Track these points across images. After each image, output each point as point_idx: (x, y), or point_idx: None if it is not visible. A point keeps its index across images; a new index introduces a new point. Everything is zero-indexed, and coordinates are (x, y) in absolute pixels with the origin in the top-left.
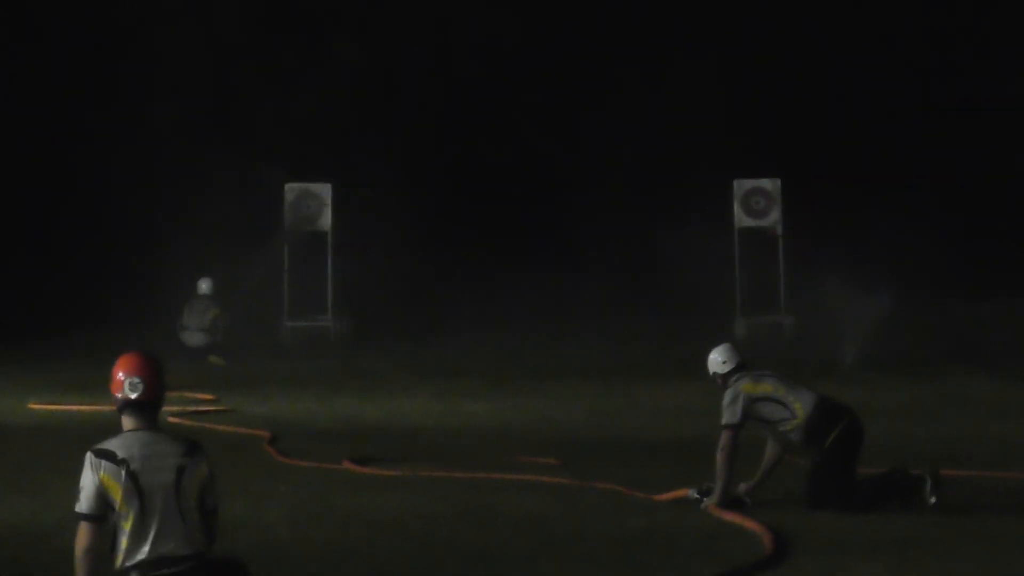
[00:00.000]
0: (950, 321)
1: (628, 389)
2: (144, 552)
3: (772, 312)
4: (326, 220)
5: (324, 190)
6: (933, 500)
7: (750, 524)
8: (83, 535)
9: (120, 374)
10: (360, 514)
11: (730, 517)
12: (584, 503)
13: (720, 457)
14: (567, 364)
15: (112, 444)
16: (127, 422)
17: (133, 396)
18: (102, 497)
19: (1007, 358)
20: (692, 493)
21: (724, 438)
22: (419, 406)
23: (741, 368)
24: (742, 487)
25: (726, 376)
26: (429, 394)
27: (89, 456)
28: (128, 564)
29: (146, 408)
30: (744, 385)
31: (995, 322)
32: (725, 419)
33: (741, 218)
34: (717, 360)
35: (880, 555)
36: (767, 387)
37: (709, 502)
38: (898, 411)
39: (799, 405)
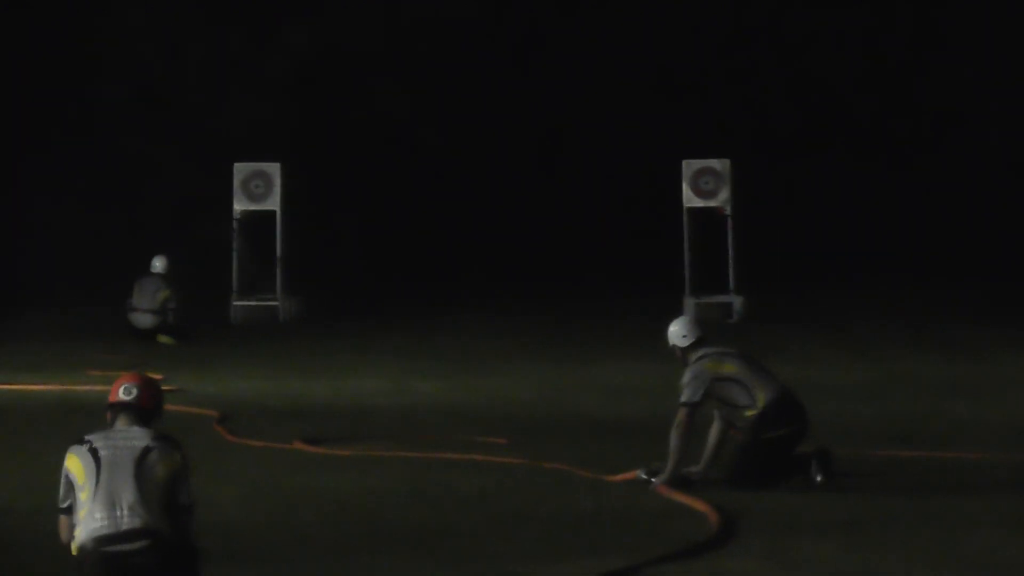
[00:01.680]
0: (902, 302)
1: (578, 369)
2: (98, 523)
3: (720, 291)
4: (275, 200)
5: (273, 170)
6: (819, 478)
7: (698, 504)
8: (61, 528)
9: (118, 384)
10: (310, 494)
11: (678, 497)
12: (534, 483)
13: (675, 434)
14: (518, 344)
15: (90, 434)
16: (116, 422)
17: (125, 398)
18: (68, 483)
19: (957, 339)
20: (641, 474)
21: (681, 415)
22: (370, 386)
23: (701, 343)
24: (693, 469)
25: (686, 351)
26: (380, 374)
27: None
28: (84, 538)
29: (133, 410)
30: (707, 364)
31: (947, 304)
32: (684, 396)
33: (690, 198)
34: (678, 333)
35: (829, 534)
36: (731, 367)
37: (658, 482)
38: (848, 391)
39: (761, 395)
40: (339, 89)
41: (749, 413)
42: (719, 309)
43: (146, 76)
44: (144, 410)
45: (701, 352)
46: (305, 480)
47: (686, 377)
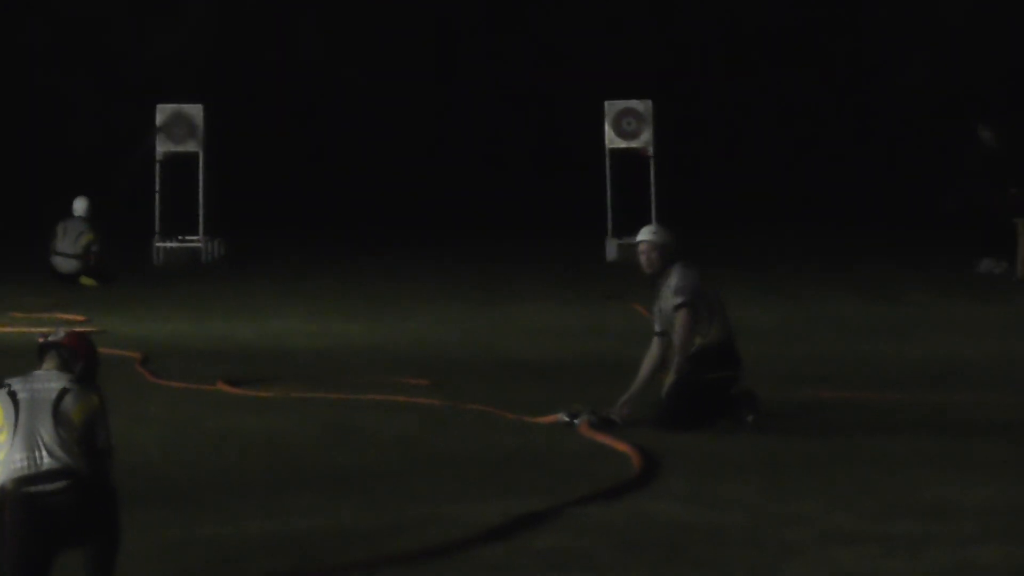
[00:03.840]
0: (821, 244)
1: (500, 311)
2: (17, 463)
3: None
4: (197, 141)
5: (196, 111)
6: (750, 419)
7: (620, 445)
8: None
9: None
10: (233, 435)
11: (601, 438)
12: (456, 424)
13: (683, 335)
14: (440, 286)
15: (9, 379)
16: (43, 365)
17: (52, 339)
18: None
19: (876, 281)
20: (563, 416)
21: (684, 316)
22: (292, 327)
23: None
24: (624, 406)
25: (666, 254)
26: (302, 315)
27: None
28: (4, 479)
29: (56, 349)
30: (694, 271)
31: (866, 247)
32: (683, 297)
33: (612, 139)
34: (662, 232)
35: (751, 476)
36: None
37: (581, 422)
38: (771, 332)
39: (715, 329)
40: (258, 30)
41: (697, 340)
42: None
43: (65, 15)
44: (68, 349)
45: (682, 261)
46: (227, 421)
47: (678, 279)
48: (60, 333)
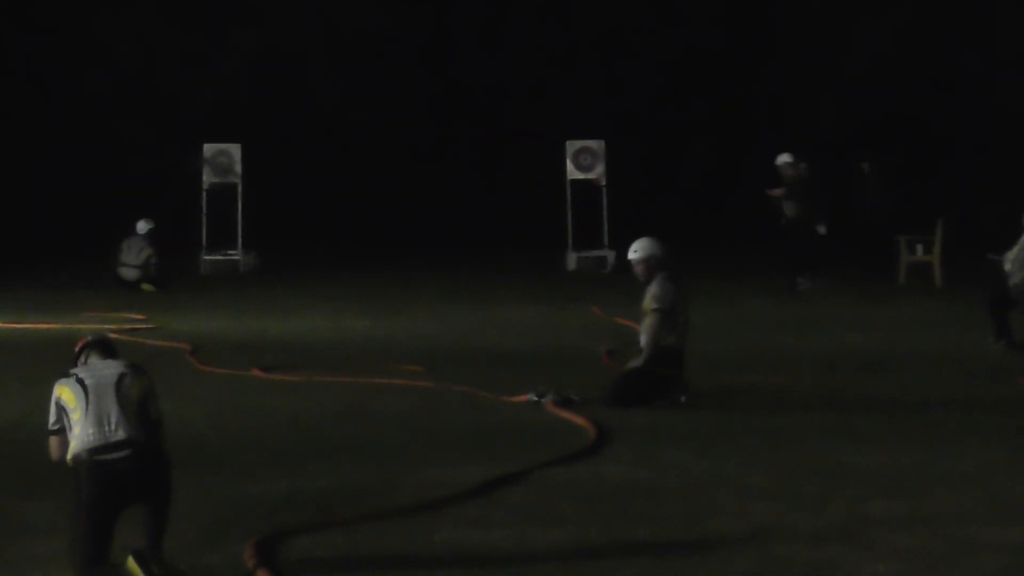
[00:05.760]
0: (747, 256)
1: (481, 310)
2: (90, 436)
3: (597, 247)
4: (236, 173)
5: (235, 149)
6: (683, 399)
7: (579, 420)
8: (52, 447)
9: (83, 339)
10: (265, 412)
11: (563, 414)
12: (444, 403)
13: (648, 335)
14: (432, 291)
15: (73, 368)
16: (90, 359)
17: (92, 338)
18: (59, 408)
19: (781, 287)
20: (532, 396)
21: (655, 319)
22: (312, 323)
23: (665, 264)
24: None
25: (654, 267)
26: (320, 314)
27: (55, 384)
28: (79, 449)
29: (100, 344)
30: (674, 287)
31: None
32: (659, 304)
33: (572, 171)
34: (651, 247)
35: (685, 445)
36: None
37: (547, 401)
38: (701, 328)
39: (676, 336)
40: (282, 82)
41: (664, 341)
42: (595, 261)
43: (126, 71)
44: (109, 343)
45: (666, 273)
46: (261, 401)
47: (657, 289)
48: (99, 334)
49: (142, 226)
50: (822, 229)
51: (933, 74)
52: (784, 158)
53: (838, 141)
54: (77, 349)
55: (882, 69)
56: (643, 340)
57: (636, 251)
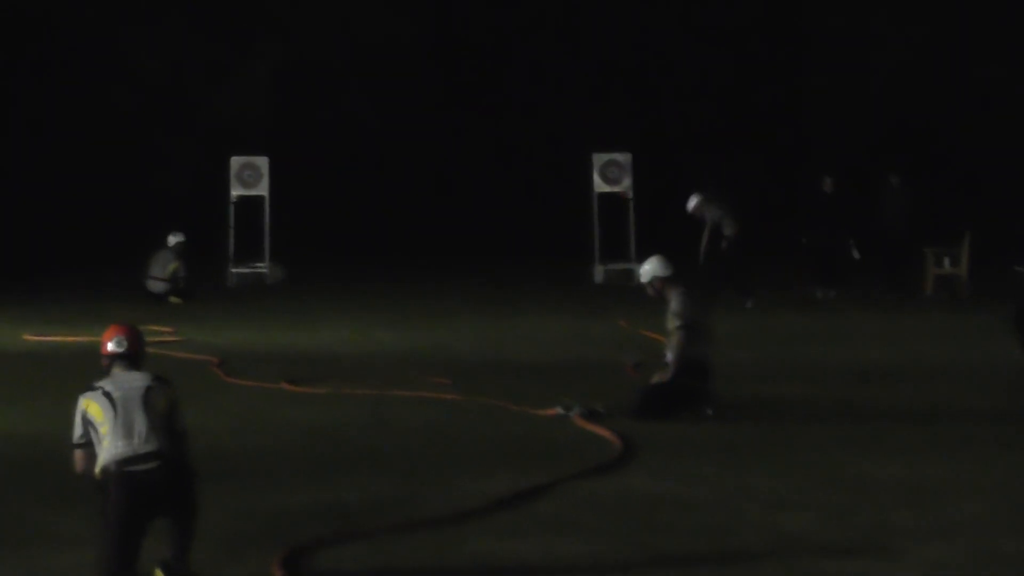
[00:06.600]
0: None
1: (508, 322)
2: (119, 448)
3: (624, 260)
4: (264, 186)
5: (262, 161)
6: (710, 411)
7: (605, 433)
8: (76, 459)
9: (107, 339)
10: (292, 424)
11: (590, 427)
12: (471, 414)
13: (674, 351)
14: (459, 303)
15: (97, 382)
16: (114, 371)
17: (119, 350)
18: (86, 421)
19: (813, 298)
20: (560, 409)
21: (679, 336)
22: (339, 336)
23: (676, 279)
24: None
25: (666, 282)
26: (347, 326)
27: (79, 397)
28: (108, 461)
29: (127, 358)
30: (689, 300)
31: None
32: (681, 321)
33: (599, 184)
34: (660, 267)
35: (711, 457)
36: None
37: (575, 413)
38: (727, 340)
39: (700, 346)
40: (309, 95)
41: (689, 355)
42: (622, 274)
43: (154, 84)
44: (135, 356)
45: (680, 288)
46: (288, 413)
47: (676, 305)
48: (124, 343)
49: (172, 240)
50: (855, 254)
51: (959, 87)
52: (694, 200)
53: (864, 155)
54: (103, 347)
55: (907, 82)
56: (669, 356)
57: (641, 275)
